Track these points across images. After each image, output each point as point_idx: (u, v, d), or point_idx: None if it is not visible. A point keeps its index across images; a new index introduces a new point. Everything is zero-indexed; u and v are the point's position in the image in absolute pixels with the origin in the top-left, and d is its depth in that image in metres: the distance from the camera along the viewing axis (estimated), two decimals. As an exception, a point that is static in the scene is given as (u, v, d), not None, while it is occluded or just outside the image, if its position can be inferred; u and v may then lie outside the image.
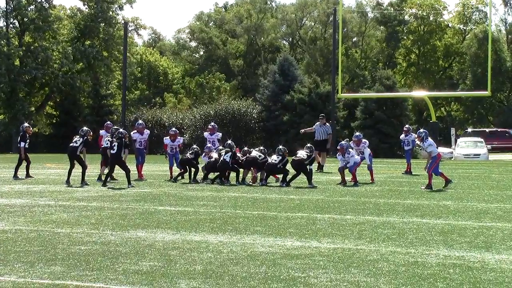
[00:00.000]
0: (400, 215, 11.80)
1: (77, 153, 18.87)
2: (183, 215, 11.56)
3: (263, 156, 18.99)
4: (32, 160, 22.57)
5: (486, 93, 42.82)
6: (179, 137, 21.39)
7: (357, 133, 21.26)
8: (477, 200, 14.66)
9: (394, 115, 49.60)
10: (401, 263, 7.48)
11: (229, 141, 19.45)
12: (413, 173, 23.72)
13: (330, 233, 9.62)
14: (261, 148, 19.86)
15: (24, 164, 21.57)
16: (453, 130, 53.67)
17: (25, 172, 21.37)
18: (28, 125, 22.55)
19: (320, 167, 24.67)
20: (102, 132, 21.35)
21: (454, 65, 75.08)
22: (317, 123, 25.78)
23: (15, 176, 20.84)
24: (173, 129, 21.77)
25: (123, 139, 18.09)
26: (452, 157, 44.60)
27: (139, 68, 77.60)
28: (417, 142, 19.32)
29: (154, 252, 8.00)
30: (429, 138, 18.03)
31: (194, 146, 20.67)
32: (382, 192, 16.60)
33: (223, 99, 58.69)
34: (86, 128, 19.57)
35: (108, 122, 22.25)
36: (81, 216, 11.36)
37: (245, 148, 20.12)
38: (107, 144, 19.16)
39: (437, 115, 54.55)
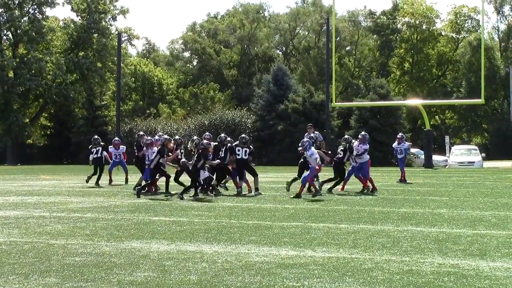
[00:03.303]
0: (395, 223, 11.81)
1: (102, 162, 22.57)
2: (177, 225, 11.54)
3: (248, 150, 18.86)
4: (27, 171, 22.58)
5: (480, 101, 42.97)
6: (122, 146, 24.23)
7: (363, 132, 20.71)
8: (471, 207, 14.69)
9: (388, 123, 49.73)
10: (396, 271, 7.48)
11: (216, 141, 19.33)
12: (407, 181, 23.75)
13: (325, 242, 9.62)
14: (243, 136, 19.34)
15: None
16: (447, 138, 53.85)
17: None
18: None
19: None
20: (111, 149, 24.00)
21: (447, 73, 75.37)
22: (306, 133, 25.18)
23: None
24: (117, 138, 25.35)
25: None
26: (446, 165, 44.71)
27: (133, 79, 77.62)
28: (300, 150, 18.24)
29: (148, 263, 7.99)
30: (312, 148, 17.77)
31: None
32: (377, 200, 16.62)
33: (217, 109, 58.78)
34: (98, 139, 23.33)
35: (116, 139, 25.10)
36: (75, 227, 11.34)
37: (222, 135, 19.80)
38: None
39: (431, 123, 54.66)
